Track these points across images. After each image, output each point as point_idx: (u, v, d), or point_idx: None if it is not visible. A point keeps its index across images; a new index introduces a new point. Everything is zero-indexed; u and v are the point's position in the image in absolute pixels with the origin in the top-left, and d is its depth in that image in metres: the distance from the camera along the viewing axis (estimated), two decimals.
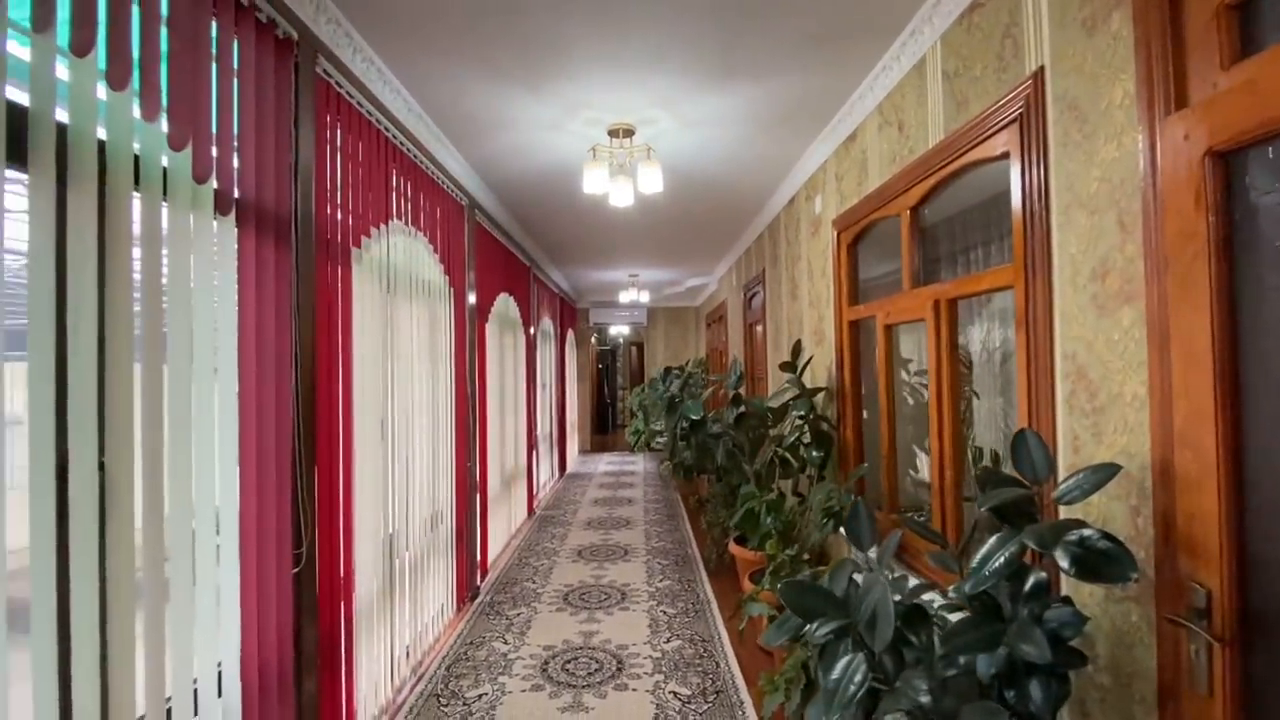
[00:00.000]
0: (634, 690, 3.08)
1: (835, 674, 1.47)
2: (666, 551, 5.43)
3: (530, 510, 6.83)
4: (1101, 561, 1.25)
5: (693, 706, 2.93)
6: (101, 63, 1.41)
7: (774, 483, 4.02)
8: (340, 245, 2.48)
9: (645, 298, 10.59)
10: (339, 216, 2.48)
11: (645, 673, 3.25)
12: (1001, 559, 1.38)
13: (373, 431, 2.77)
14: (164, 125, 1.60)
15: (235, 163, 1.89)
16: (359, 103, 2.63)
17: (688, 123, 3.49)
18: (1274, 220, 1.17)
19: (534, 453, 7.07)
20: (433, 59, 2.74)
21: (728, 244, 7.02)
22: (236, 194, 1.90)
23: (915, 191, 2.65)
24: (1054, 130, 1.79)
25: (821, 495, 3.20)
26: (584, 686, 3.13)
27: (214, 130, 1.78)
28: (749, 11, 2.41)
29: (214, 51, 1.79)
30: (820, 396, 3.94)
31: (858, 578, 1.68)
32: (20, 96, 1.28)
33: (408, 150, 3.21)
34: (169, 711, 1.58)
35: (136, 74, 1.50)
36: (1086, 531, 1.29)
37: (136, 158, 1.52)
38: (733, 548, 4.19)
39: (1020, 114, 1.91)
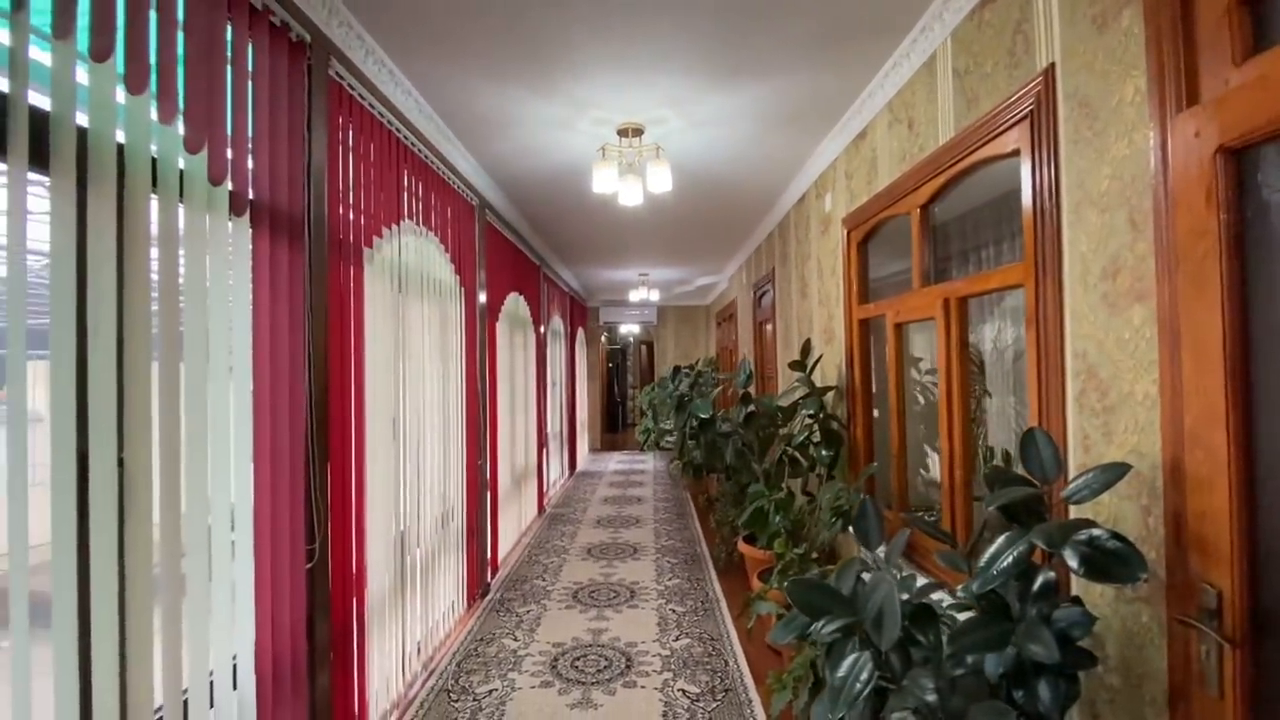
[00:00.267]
0: (643, 687, 3.10)
1: (841, 672, 1.47)
2: (675, 550, 5.44)
3: (540, 508, 6.86)
4: (1111, 561, 1.25)
5: (701, 704, 2.94)
6: (120, 67, 1.44)
7: (783, 482, 4.01)
8: (353, 245, 2.51)
9: (655, 296, 10.60)
10: (351, 217, 2.51)
11: (654, 670, 3.26)
12: (1010, 558, 1.37)
13: (384, 430, 2.80)
14: (181, 128, 1.62)
15: (250, 164, 1.92)
16: (370, 104, 2.66)
17: (696, 122, 3.50)
18: None
19: (544, 451, 7.10)
20: (443, 60, 2.77)
21: (737, 242, 7.00)
22: (251, 195, 1.92)
23: (925, 189, 2.64)
24: (1065, 127, 1.78)
25: (830, 494, 3.19)
26: (593, 683, 3.15)
27: (229, 132, 1.80)
28: (755, 12, 2.41)
29: (229, 55, 1.82)
30: (830, 395, 3.93)
31: (865, 576, 1.68)
32: (42, 101, 1.31)
33: (418, 150, 3.24)
34: (185, 704, 1.61)
35: (154, 78, 1.53)
36: (1096, 531, 1.29)
37: (154, 160, 1.55)
38: (741, 546, 4.20)
39: (1031, 111, 1.90)
